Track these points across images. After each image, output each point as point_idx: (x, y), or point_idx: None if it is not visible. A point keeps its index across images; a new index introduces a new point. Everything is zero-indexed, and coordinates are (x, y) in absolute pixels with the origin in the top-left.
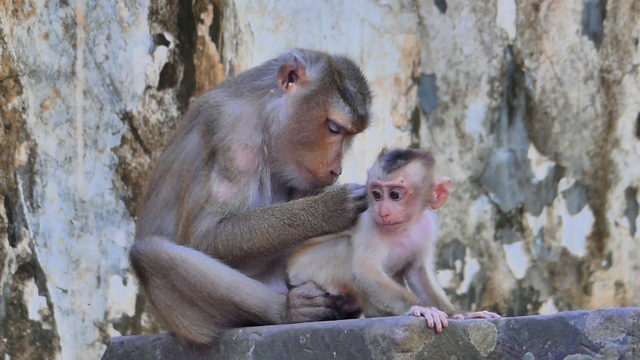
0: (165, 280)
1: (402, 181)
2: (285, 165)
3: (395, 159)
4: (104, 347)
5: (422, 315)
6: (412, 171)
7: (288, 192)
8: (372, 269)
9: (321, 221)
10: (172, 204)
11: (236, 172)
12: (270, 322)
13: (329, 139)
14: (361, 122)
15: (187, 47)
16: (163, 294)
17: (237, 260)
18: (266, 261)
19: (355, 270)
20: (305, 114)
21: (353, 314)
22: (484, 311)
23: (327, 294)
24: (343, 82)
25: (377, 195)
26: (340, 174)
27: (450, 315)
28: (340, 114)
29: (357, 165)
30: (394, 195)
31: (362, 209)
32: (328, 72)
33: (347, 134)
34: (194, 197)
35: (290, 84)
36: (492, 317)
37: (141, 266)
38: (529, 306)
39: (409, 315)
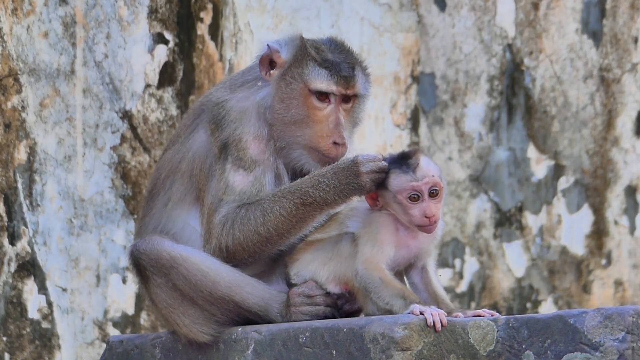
0: (166, 279)
1: (439, 177)
2: (292, 151)
3: (417, 160)
4: (104, 345)
5: (421, 313)
6: (436, 166)
7: None
8: (377, 266)
9: (334, 195)
10: (175, 204)
11: (250, 162)
12: (271, 321)
13: (321, 111)
14: (346, 82)
15: (186, 45)
16: (164, 293)
17: (258, 247)
18: (290, 244)
19: (358, 266)
20: (287, 91)
21: (353, 314)
22: (484, 309)
23: (327, 293)
24: (318, 52)
25: (414, 199)
26: (345, 143)
27: (449, 313)
28: (318, 80)
29: None
30: (433, 194)
31: (378, 181)
32: (300, 47)
33: (341, 101)
34: (212, 192)
35: (272, 71)
36: (492, 316)
37: (142, 265)
38: (528, 305)
39: (409, 313)
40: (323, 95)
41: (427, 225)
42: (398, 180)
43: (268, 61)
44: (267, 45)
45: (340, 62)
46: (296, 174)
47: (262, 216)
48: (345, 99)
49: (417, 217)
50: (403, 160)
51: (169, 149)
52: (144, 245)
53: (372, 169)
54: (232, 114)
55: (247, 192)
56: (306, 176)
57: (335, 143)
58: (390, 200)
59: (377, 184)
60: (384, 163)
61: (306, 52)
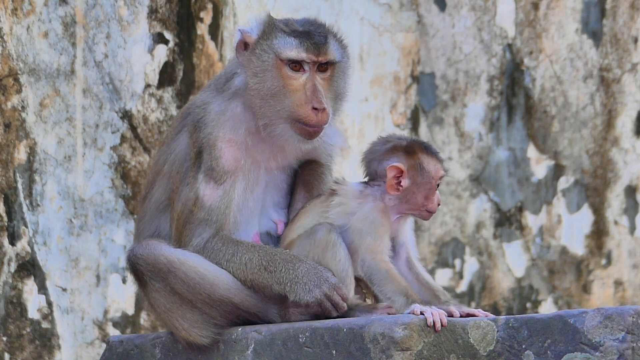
0: (164, 284)
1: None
2: (276, 128)
3: (438, 151)
4: (104, 345)
5: (422, 313)
6: None
7: (289, 190)
8: (383, 258)
9: (290, 281)
10: (165, 206)
11: (222, 172)
12: (270, 322)
13: (297, 80)
14: (317, 49)
15: (186, 45)
16: (162, 297)
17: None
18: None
19: (366, 256)
20: (258, 64)
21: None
22: (479, 310)
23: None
24: (287, 25)
25: (436, 187)
26: (325, 108)
27: (446, 304)
28: (288, 48)
29: (357, 164)
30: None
31: (325, 310)
32: (268, 23)
33: (317, 70)
34: (182, 200)
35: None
36: (486, 317)
37: (139, 270)
38: (528, 305)
39: (409, 313)
40: (296, 65)
41: (433, 213)
42: (436, 166)
43: (243, 46)
44: (239, 30)
45: (311, 31)
46: (272, 180)
47: (232, 256)
48: (321, 67)
49: (434, 204)
50: (430, 148)
51: (157, 152)
52: (141, 250)
53: (332, 298)
54: (210, 115)
55: (216, 208)
56: (287, 251)
57: (314, 109)
58: (417, 183)
59: (322, 307)
60: (344, 306)
61: (274, 25)
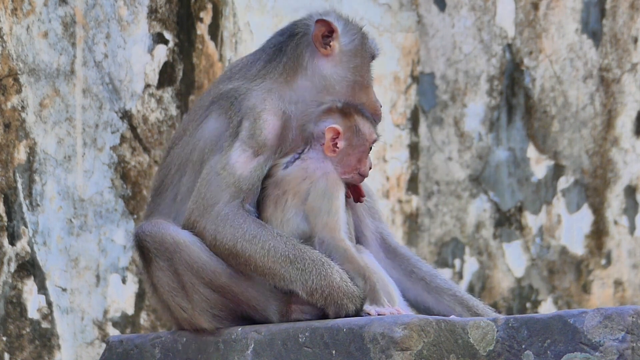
0: (169, 263)
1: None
2: None
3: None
4: (103, 345)
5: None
6: None
7: None
8: (340, 236)
9: (322, 288)
10: (189, 195)
11: (261, 143)
12: (268, 318)
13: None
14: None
15: (186, 45)
16: (166, 277)
17: (225, 255)
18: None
19: (324, 234)
20: (354, 59)
21: None
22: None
23: None
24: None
25: (368, 150)
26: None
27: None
28: (375, 47)
29: None
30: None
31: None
32: (347, 19)
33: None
34: (211, 163)
35: (332, 42)
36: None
37: (145, 247)
38: (528, 305)
39: (365, 314)
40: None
41: (364, 177)
42: (370, 129)
43: (321, 37)
44: (321, 19)
45: None
46: None
47: (252, 238)
48: None
49: (367, 167)
50: (364, 111)
51: (175, 146)
52: (150, 227)
53: (359, 313)
54: (252, 93)
55: (245, 179)
56: (314, 250)
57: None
58: (352, 145)
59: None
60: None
61: (353, 22)
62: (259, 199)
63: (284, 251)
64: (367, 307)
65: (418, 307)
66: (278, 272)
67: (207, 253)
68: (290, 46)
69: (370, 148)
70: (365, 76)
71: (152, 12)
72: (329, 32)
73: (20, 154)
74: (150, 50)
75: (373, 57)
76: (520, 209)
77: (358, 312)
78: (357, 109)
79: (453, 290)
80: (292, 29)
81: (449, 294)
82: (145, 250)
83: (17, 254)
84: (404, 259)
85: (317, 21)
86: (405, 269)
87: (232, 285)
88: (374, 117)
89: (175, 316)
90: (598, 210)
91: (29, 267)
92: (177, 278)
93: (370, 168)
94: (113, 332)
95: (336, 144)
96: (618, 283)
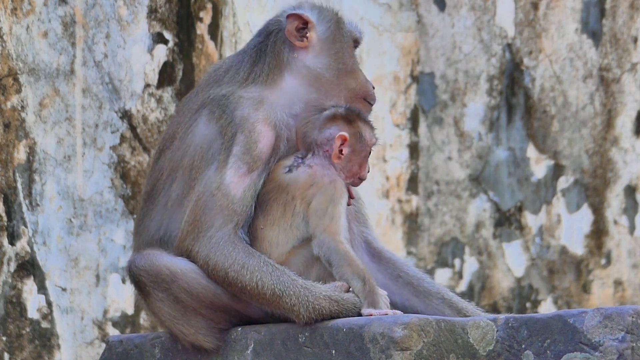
0: (167, 294)
1: None
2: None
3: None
4: (103, 345)
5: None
6: None
7: None
8: (341, 239)
9: (308, 318)
10: (179, 203)
11: (257, 158)
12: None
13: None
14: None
15: (186, 45)
16: (166, 306)
17: (216, 281)
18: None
19: (324, 237)
20: (334, 46)
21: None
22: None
23: None
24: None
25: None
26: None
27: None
28: (356, 30)
29: None
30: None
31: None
32: (323, 8)
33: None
34: (205, 180)
35: (308, 34)
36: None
37: (141, 281)
38: (528, 304)
39: (366, 315)
40: (357, 46)
41: (363, 181)
42: (371, 134)
43: (296, 30)
44: (293, 14)
45: None
46: None
47: (242, 267)
48: None
49: (366, 172)
50: (365, 116)
51: (167, 149)
52: (142, 261)
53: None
54: (244, 102)
55: (239, 202)
56: (301, 280)
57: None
58: (355, 151)
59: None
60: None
61: (329, 10)
62: (261, 201)
63: (270, 285)
64: (366, 310)
65: (406, 311)
66: (269, 303)
67: (206, 277)
68: (269, 46)
69: (370, 152)
70: (348, 61)
71: (152, 12)
72: (304, 24)
73: (20, 154)
74: (150, 50)
75: (356, 41)
76: (520, 209)
77: (358, 315)
78: (359, 115)
79: (441, 293)
80: (266, 28)
81: (437, 297)
82: (142, 285)
83: (17, 254)
84: (389, 263)
85: (288, 16)
86: (392, 273)
87: (234, 304)
88: (368, 99)
89: (178, 339)
90: (598, 210)
91: (28, 267)
92: (176, 306)
93: (368, 171)
94: (113, 332)
95: (341, 150)
96: (618, 283)
